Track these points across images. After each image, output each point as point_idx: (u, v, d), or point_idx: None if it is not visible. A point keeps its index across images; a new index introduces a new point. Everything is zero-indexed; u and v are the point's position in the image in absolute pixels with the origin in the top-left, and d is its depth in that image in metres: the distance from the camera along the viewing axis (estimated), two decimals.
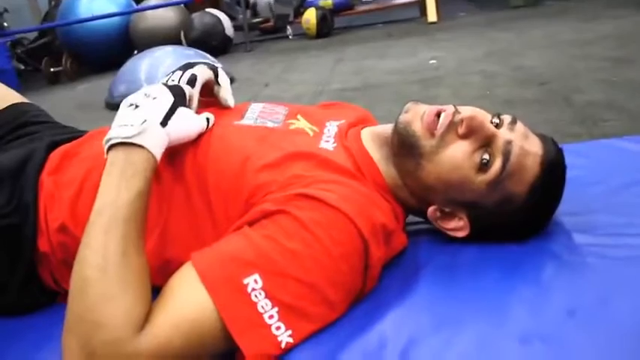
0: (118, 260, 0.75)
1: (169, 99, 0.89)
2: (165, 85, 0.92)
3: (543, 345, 0.73)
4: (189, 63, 1.01)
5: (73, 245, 0.80)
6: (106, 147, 0.84)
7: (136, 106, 0.86)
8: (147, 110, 0.85)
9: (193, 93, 0.95)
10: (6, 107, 1.25)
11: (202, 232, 0.89)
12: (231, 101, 1.04)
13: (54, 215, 0.94)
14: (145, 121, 0.83)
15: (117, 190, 0.79)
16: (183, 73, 0.97)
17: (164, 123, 0.86)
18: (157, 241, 0.90)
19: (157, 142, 0.84)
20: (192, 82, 0.96)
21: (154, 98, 0.87)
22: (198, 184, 0.90)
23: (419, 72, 3.02)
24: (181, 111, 0.89)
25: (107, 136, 0.84)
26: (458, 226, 0.95)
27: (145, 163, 0.82)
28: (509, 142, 0.89)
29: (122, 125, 0.83)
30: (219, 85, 1.04)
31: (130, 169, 0.81)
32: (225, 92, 1.04)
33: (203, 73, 0.99)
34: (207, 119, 0.96)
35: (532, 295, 0.83)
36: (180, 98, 0.90)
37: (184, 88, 0.93)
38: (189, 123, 0.91)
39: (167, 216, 0.91)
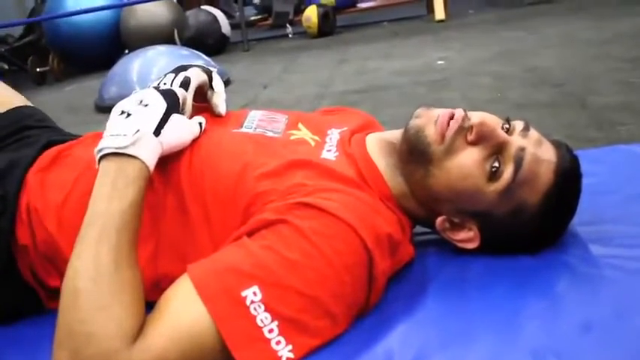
0: (111, 271, 0.76)
1: (162, 105, 0.89)
2: (158, 89, 0.93)
3: None
4: (183, 65, 1.02)
5: (56, 245, 0.81)
6: (98, 157, 0.84)
7: (128, 114, 0.87)
8: (139, 119, 0.86)
9: (187, 96, 0.96)
10: (8, 110, 1.25)
11: (198, 243, 0.90)
12: (222, 108, 1.04)
13: (38, 212, 0.94)
14: (138, 130, 0.84)
15: (109, 200, 0.81)
16: (175, 76, 0.98)
17: (157, 132, 0.87)
18: (152, 253, 0.91)
19: (150, 152, 0.85)
20: (185, 85, 0.96)
21: (146, 105, 0.88)
22: (193, 192, 0.91)
23: (426, 73, 3.02)
24: (175, 118, 0.90)
25: (99, 146, 0.85)
26: (467, 237, 0.96)
27: (138, 174, 0.83)
28: (521, 149, 0.89)
29: (114, 135, 0.84)
30: (212, 90, 1.04)
31: (122, 179, 0.82)
32: (219, 98, 1.04)
33: (197, 77, 1.00)
34: (200, 124, 0.97)
35: (545, 309, 0.84)
36: (173, 104, 0.91)
37: (177, 92, 0.94)
38: (182, 130, 0.92)
39: (161, 226, 0.91)
